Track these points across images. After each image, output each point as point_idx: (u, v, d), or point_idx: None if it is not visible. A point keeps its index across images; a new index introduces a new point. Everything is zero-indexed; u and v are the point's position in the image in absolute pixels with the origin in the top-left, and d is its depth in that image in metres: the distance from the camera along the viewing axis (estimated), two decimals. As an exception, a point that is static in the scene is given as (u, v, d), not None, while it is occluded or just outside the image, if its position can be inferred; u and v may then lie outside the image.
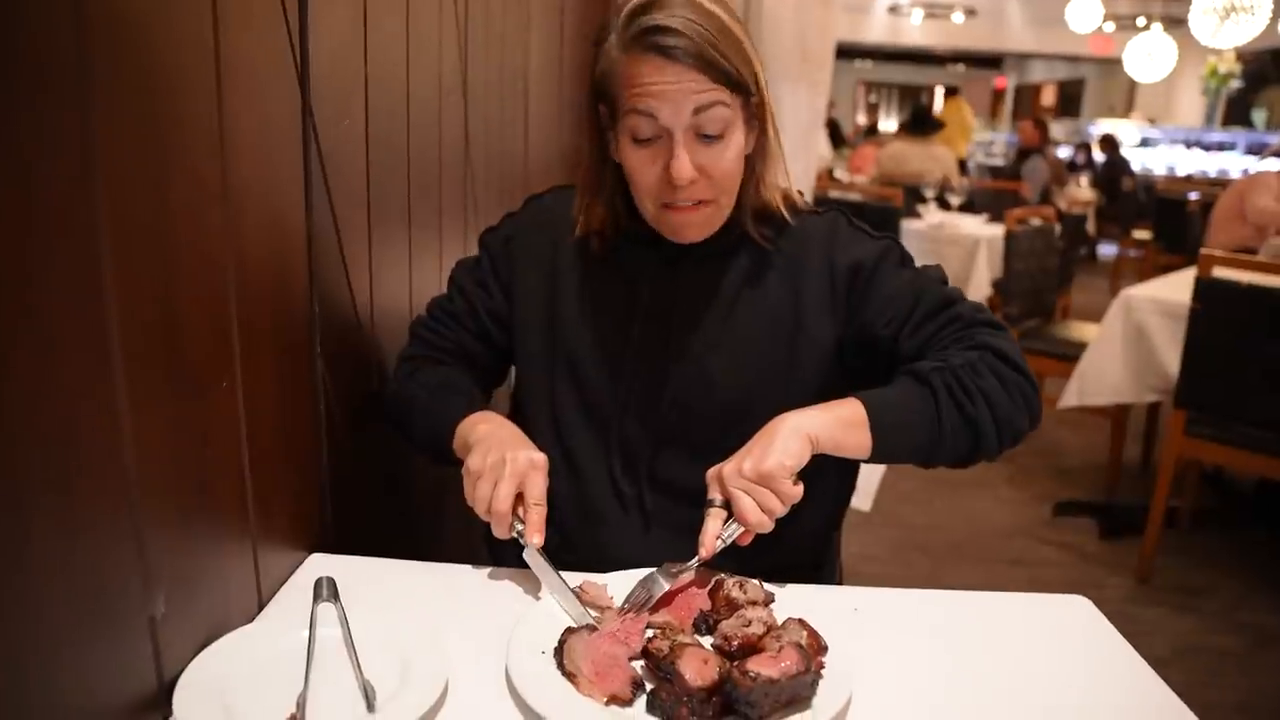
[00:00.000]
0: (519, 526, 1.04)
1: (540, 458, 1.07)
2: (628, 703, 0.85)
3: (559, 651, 0.89)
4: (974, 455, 1.11)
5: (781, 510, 0.99)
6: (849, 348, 1.18)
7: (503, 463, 1.04)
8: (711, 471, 1.04)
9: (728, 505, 1.01)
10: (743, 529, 1.00)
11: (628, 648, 0.91)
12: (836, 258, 1.17)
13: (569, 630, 0.92)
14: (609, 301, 1.20)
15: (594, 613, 0.99)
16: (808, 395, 1.14)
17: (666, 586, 0.99)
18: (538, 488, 1.05)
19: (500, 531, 1.04)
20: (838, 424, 1.05)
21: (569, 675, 0.87)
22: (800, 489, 1.00)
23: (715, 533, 1.00)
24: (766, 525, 0.99)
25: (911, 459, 1.10)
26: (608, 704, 0.84)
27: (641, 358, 1.18)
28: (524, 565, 1.07)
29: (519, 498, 1.05)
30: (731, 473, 1.00)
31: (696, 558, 1.01)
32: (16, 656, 0.64)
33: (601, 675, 0.86)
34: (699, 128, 1.04)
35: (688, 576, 1.02)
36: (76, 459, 0.69)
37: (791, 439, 1.01)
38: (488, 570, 1.11)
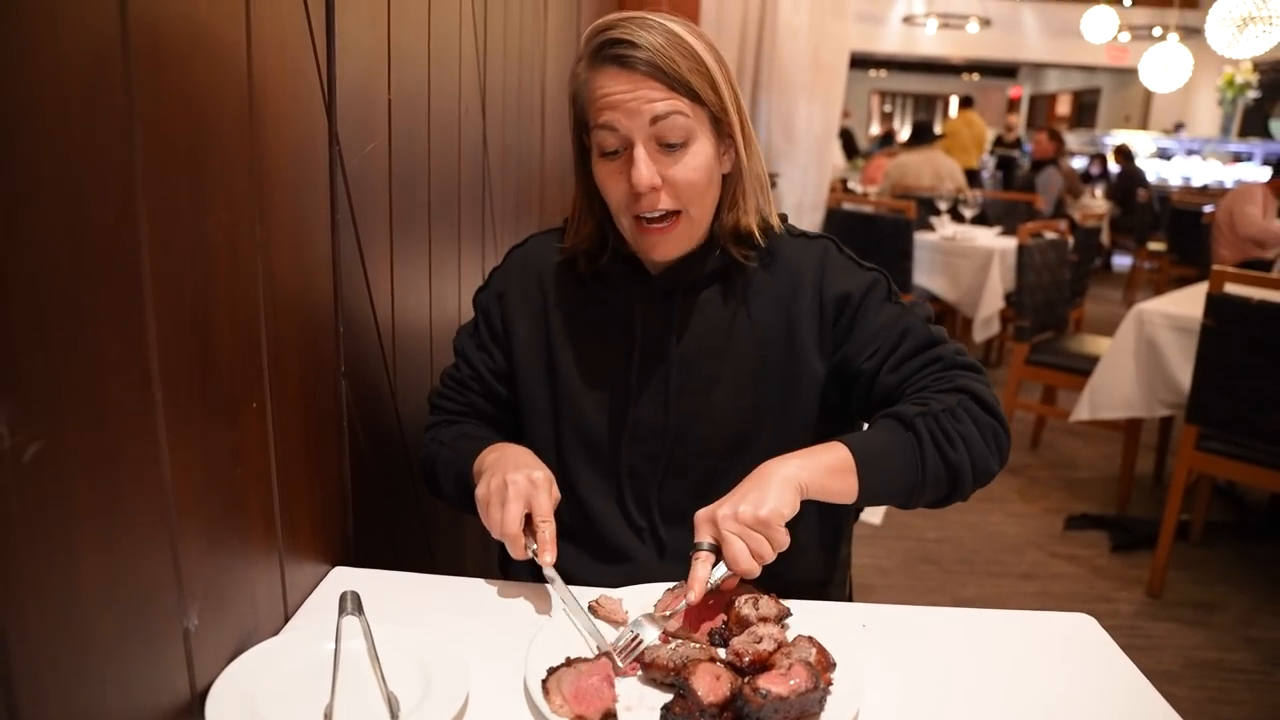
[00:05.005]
0: (533, 546, 1.06)
1: (541, 475, 1.10)
2: None
3: (550, 672, 0.89)
4: (950, 497, 1.13)
5: (771, 557, 0.98)
6: (830, 380, 1.19)
7: (504, 485, 1.07)
8: (702, 514, 1.02)
9: (714, 548, 1.00)
10: (729, 573, 0.99)
11: (612, 687, 0.90)
12: (825, 288, 1.18)
13: (570, 660, 0.92)
14: (604, 341, 1.22)
15: (608, 627, 1.02)
16: (808, 423, 1.17)
17: (656, 633, 0.98)
18: (543, 505, 1.08)
19: (516, 553, 1.06)
20: (825, 471, 1.05)
21: (546, 692, 0.87)
22: (789, 537, 0.99)
23: (704, 578, 0.98)
24: (756, 571, 0.98)
25: (893, 501, 1.11)
26: None
27: (641, 396, 1.20)
28: (539, 580, 1.10)
29: (530, 518, 1.07)
30: (726, 517, 0.99)
31: (684, 602, 0.99)
32: (61, 665, 0.67)
33: (578, 699, 0.86)
34: (660, 137, 1.07)
35: (675, 622, 1.01)
36: (119, 479, 0.72)
37: (785, 489, 1.00)
38: (506, 585, 1.13)
